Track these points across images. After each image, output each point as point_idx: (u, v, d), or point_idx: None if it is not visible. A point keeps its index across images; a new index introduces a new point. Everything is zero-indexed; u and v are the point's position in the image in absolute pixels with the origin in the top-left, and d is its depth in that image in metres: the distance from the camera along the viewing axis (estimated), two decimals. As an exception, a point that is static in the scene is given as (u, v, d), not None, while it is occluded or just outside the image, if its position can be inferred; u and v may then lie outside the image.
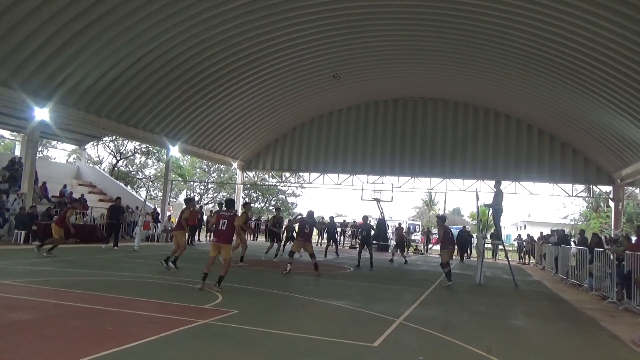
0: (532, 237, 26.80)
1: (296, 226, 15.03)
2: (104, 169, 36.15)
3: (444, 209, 37.99)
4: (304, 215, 13.72)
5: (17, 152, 22.23)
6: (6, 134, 28.98)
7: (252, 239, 27.82)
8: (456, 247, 24.66)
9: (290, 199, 50.04)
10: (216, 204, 48.04)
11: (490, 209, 14.41)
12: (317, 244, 28.97)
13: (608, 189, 27.17)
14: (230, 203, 9.59)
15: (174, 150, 25.35)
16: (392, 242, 28.92)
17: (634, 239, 12.11)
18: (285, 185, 41.08)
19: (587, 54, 15.74)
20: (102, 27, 14.98)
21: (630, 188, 29.09)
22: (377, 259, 19.51)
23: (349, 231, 30.53)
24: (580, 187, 28.17)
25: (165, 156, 30.95)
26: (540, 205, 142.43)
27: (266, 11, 16.31)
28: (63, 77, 16.52)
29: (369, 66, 22.93)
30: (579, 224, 39.80)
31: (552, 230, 24.53)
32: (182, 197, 36.62)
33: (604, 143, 22.75)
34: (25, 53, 14.71)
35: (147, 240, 21.16)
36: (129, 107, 20.13)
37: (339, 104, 28.69)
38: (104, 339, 5.16)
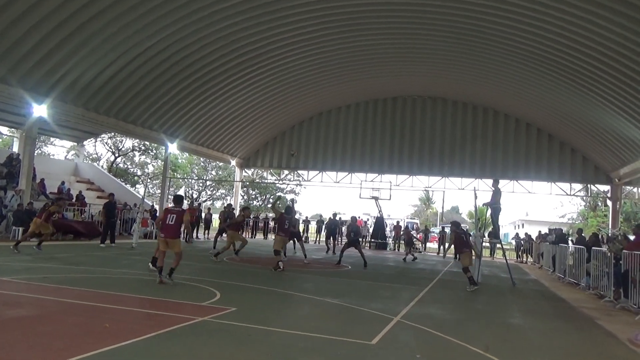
0: (529, 235, 26.85)
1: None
2: (102, 166, 36.10)
3: (442, 208, 38.00)
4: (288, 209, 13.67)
5: (15, 149, 22.17)
6: (4, 130, 28.87)
7: (250, 236, 27.85)
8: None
9: (288, 197, 50.12)
10: (213, 202, 48.17)
11: (489, 207, 14.43)
12: (315, 242, 29.10)
13: (606, 188, 27.23)
14: (178, 199, 9.70)
15: (173, 148, 25.33)
16: (391, 241, 29.03)
17: (632, 238, 12.14)
18: (283, 183, 41.09)
19: (586, 54, 15.75)
20: (101, 23, 14.94)
21: (628, 187, 29.12)
22: (376, 257, 19.60)
23: (345, 229, 30.54)
24: (578, 186, 28.22)
25: (162, 154, 30.91)
26: (538, 204, 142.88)
27: (265, 8, 16.27)
28: (61, 74, 16.48)
29: (369, 64, 22.91)
30: (577, 223, 39.95)
31: (549, 229, 24.56)
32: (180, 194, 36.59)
33: (602, 142, 22.79)
34: (24, 49, 14.66)
35: (145, 238, 21.14)
36: (128, 103, 20.09)
37: (338, 102, 28.67)
38: (103, 335, 5.17)
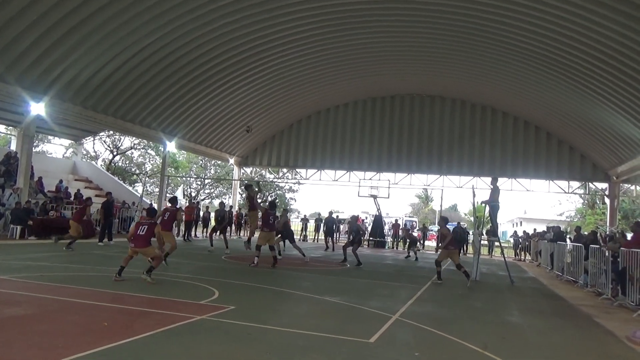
0: (528, 233, 26.91)
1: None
2: (101, 165, 36.04)
3: (441, 206, 37.93)
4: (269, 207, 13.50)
5: (13, 147, 22.12)
6: (2, 128, 28.84)
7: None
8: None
9: (287, 195, 50.14)
10: (212, 200, 48.15)
11: (487, 205, 14.45)
12: (314, 240, 29.12)
13: (604, 185, 27.27)
14: (152, 212, 9.91)
15: (171, 146, 25.30)
16: (389, 239, 29.05)
17: (629, 236, 12.17)
18: (282, 182, 41.05)
19: (585, 52, 15.76)
20: (99, 21, 14.90)
21: (626, 185, 29.20)
22: (375, 256, 19.60)
23: (344, 227, 30.57)
24: (576, 184, 28.27)
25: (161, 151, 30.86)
26: (537, 202, 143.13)
27: (264, 6, 16.25)
28: (59, 72, 16.43)
29: (367, 62, 22.89)
30: (575, 220, 40.03)
31: (547, 227, 24.61)
32: (178, 193, 36.58)
33: (601, 140, 22.83)
34: (21, 47, 14.62)
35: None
36: (126, 102, 20.05)
37: (336, 100, 28.66)
38: (101, 334, 5.16)
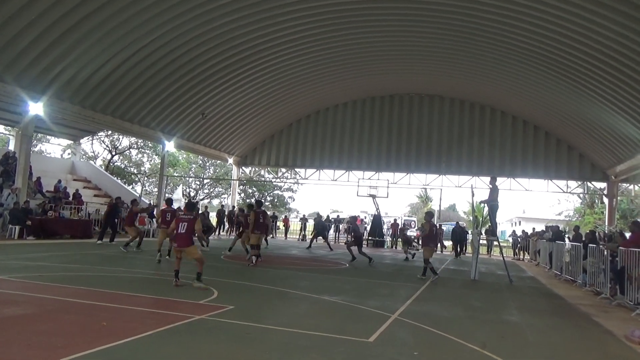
0: (526, 233, 26.94)
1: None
2: (100, 165, 35.99)
3: (440, 205, 37.98)
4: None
5: (11, 147, 22.06)
6: (0, 128, 28.77)
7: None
8: (452, 242, 24.93)
9: (286, 194, 50.15)
10: (211, 200, 48.12)
11: (486, 205, 14.46)
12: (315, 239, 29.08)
13: (602, 185, 27.30)
14: (191, 206, 9.46)
15: (170, 146, 25.27)
16: (388, 239, 29.06)
17: (628, 235, 12.19)
18: (281, 181, 41.05)
19: (583, 52, 15.78)
20: (97, 20, 14.88)
21: (624, 184, 29.23)
22: (374, 255, 19.54)
23: (343, 226, 30.59)
24: (574, 183, 28.30)
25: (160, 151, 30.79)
26: (535, 202, 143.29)
27: (262, 6, 16.24)
28: (58, 71, 16.41)
29: (366, 62, 22.89)
30: (574, 220, 40.07)
31: (546, 227, 24.64)
32: (177, 192, 36.57)
33: (599, 140, 22.86)
34: (20, 46, 14.59)
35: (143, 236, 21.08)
36: (124, 101, 20.03)
37: (335, 99, 28.66)
38: (100, 334, 5.16)
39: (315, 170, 30.93)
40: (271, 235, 28.64)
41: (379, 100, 28.99)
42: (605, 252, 11.14)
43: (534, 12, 14.66)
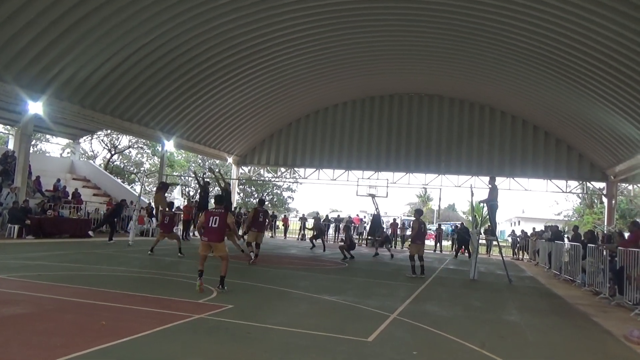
0: (525, 232, 26.94)
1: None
2: (99, 165, 35.97)
3: (439, 205, 38.08)
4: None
5: (11, 146, 22.07)
6: (-1, 127, 28.78)
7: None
8: (456, 242, 24.92)
9: (285, 194, 50.13)
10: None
11: (485, 205, 14.46)
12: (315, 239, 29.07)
13: (602, 185, 27.30)
14: (219, 199, 9.00)
15: (169, 145, 25.26)
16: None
17: (627, 235, 12.20)
18: (280, 181, 41.04)
19: (583, 51, 15.78)
20: (97, 20, 14.87)
21: (624, 184, 29.25)
22: (373, 255, 19.57)
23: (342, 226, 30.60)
24: (574, 183, 28.32)
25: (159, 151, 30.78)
26: (534, 202, 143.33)
27: (261, 5, 16.23)
28: (57, 71, 16.40)
29: (365, 62, 22.88)
30: (573, 220, 40.09)
31: (545, 226, 24.65)
32: (176, 192, 36.49)
33: (598, 140, 22.87)
34: (19, 46, 14.58)
35: (142, 235, 21.11)
36: (124, 101, 20.02)
37: (334, 99, 28.65)
38: (99, 333, 5.15)
39: (314, 169, 30.91)
40: (270, 235, 28.70)
41: (378, 100, 28.98)
42: (605, 252, 11.15)
43: (534, 12, 14.66)
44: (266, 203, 43.89)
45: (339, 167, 29.99)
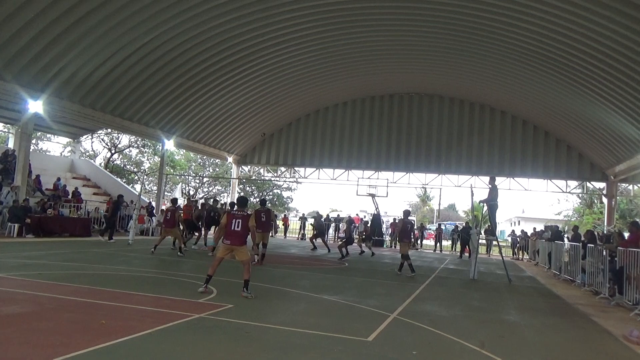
0: (525, 232, 26.95)
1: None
2: (100, 164, 35.98)
3: (439, 205, 38.04)
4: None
5: (11, 145, 22.07)
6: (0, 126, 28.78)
7: None
8: (460, 243, 24.91)
9: (285, 194, 50.15)
10: (210, 199, 48.07)
11: (485, 205, 14.47)
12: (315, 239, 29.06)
13: (601, 185, 27.32)
14: (242, 201, 8.57)
15: (169, 144, 25.25)
16: (387, 238, 29.05)
17: (626, 235, 12.20)
18: (280, 180, 41.03)
19: (583, 51, 15.78)
20: (97, 19, 14.87)
21: (624, 184, 29.25)
22: (369, 254, 19.59)
23: (343, 226, 30.57)
24: (574, 183, 28.32)
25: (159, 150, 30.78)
26: (535, 202, 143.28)
27: (261, 5, 16.23)
28: (57, 70, 16.40)
29: (365, 61, 22.88)
30: (573, 220, 40.12)
31: (545, 226, 24.66)
32: (176, 191, 36.55)
33: (598, 140, 22.87)
34: (19, 45, 14.58)
35: (142, 234, 21.12)
36: (124, 100, 20.02)
37: (334, 98, 28.65)
38: (99, 332, 5.16)
39: (314, 169, 30.93)
40: (271, 234, 28.68)
41: (378, 100, 28.98)
42: (604, 252, 11.16)
43: (534, 12, 14.65)
44: (267, 204, 43.99)
45: (339, 167, 30.01)
